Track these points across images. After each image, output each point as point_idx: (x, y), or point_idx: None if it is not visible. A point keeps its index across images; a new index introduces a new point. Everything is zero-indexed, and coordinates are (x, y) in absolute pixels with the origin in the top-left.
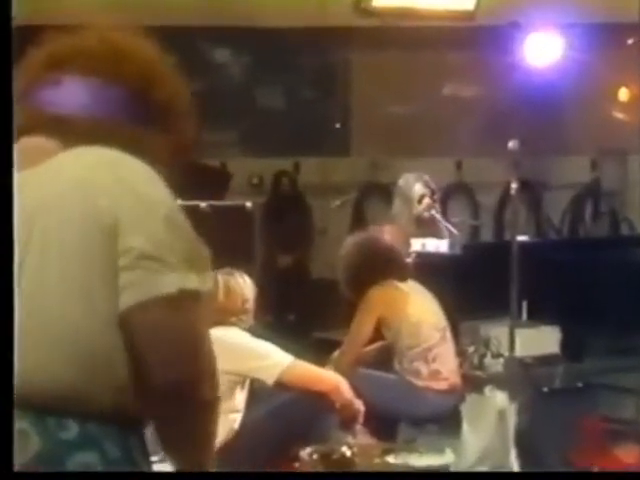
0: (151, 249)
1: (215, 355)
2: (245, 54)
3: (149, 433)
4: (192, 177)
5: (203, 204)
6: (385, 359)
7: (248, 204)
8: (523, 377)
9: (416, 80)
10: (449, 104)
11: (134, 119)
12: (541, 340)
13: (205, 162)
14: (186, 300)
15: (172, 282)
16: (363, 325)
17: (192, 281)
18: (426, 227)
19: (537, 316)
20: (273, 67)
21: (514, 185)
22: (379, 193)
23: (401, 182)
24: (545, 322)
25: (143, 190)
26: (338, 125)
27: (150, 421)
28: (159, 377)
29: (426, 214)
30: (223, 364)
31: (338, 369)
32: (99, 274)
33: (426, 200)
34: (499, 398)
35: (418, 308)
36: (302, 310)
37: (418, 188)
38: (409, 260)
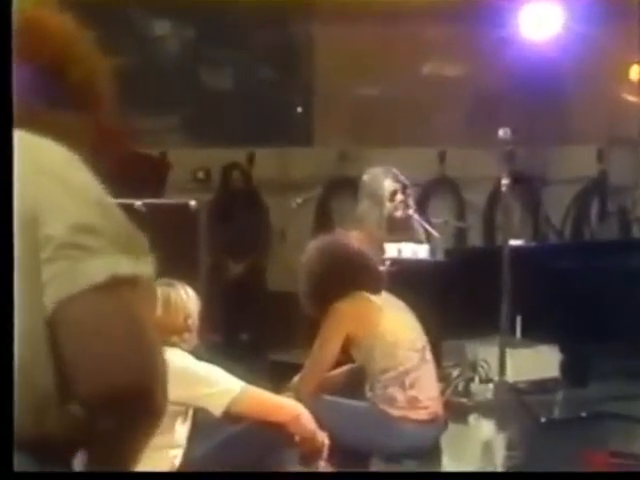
0: (73, 236)
1: (163, 353)
2: (188, 26)
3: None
4: (122, 168)
5: (138, 202)
6: (354, 385)
7: (192, 202)
8: (516, 405)
9: (391, 58)
10: (430, 86)
11: (47, 101)
12: (537, 362)
13: (138, 151)
14: (121, 288)
15: (100, 269)
16: (328, 345)
17: (126, 265)
18: (402, 229)
19: (533, 334)
20: (221, 42)
21: (506, 180)
22: (347, 189)
23: (366, 178)
24: (542, 341)
25: (63, 173)
26: (299, 109)
27: (80, 445)
28: (99, 383)
29: (400, 214)
30: None
31: (298, 396)
32: (20, 272)
33: (398, 196)
34: (485, 428)
35: (393, 325)
36: (256, 328)
37: (388, 184)
38: (382, 268)
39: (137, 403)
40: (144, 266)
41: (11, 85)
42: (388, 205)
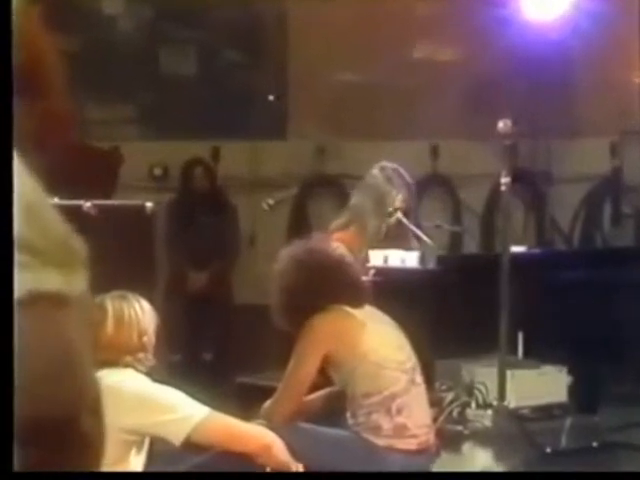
0: None
1: (96, 380)
2: (145, 4)
3: None
4: (68, 164)
5: (87, 204)
6: (334, 410)
7: (148, 204)
8: (518, 434)
9: (376, 39)
10: (421, 71)
11: None
12: (542, 385)
13: (87, 144)
14: (44, 305)
15: (20, 284)
16: (304, 366)
17: (51, 281)
18: (389, 234)
19: (537, 353)
20: (182, 21)
21: (507, 178)
22: (326, 189)
23: (378, 175)
24: (548, 361)
25: None
26: (271, 97)
27: None
28: (17, 408)
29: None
30: (114, 419)
31: (270, 424)
32: None
33: (398, 215)
34: (483, 459)
35: (378, 343)
36: (221, 346)
37: (398, 200)
38: (366, 279)
39: (59, 432)
40: (76, 282)
41: (11, 84)
42: (385, 217)
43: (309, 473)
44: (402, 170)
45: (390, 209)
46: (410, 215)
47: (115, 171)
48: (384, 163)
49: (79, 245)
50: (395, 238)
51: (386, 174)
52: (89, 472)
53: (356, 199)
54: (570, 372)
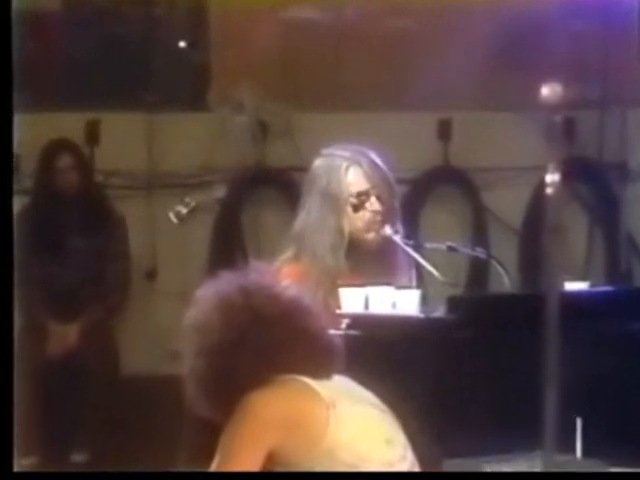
0: None
1: None
2: None
3: None
4: None
5: None
6: None
7: None
8: None
9: None
10: (420, 9)
11: None
12: None
13: None
14: None
15: None
16: (236, 467)
17: None
18: (373, 261)
19: (603, 450)
20: None
21: (556, 173)
22: (270, 188)
23: (320, 165)
24: (620, 462)
25: None
26: (183, 44)
27: None
28: None
29: (371, 235)
30: None
31: None
32: None
33: (372, 204)
34: None
35: (353, 432)
36: (101, 441)
37: (353, 178)
38: (335, 332)
39: None
40: None
41: (11, 82)
42: (351, 215)
43: (309, 473)
44: (348, 148)
45: (345, 195)
46: (391, 217)
47: None
48: (327, 151)
49: None
50: (379, 266)
51: (326, 161)
52: (89, 472)
53: (299, 219)
54: None
